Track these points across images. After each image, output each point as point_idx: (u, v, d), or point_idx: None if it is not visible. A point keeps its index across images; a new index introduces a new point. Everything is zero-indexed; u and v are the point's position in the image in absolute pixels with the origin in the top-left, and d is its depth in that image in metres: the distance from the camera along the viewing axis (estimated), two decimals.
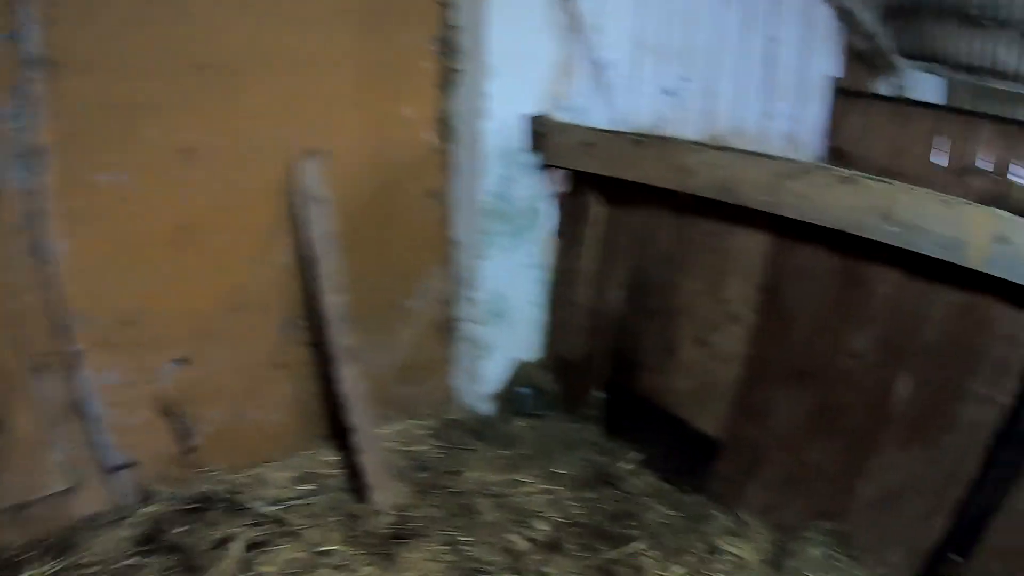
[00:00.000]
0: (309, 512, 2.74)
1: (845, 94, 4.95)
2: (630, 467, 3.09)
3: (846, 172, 2.28)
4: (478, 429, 3.40)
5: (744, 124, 4.05)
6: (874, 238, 2.23)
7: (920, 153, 4.89)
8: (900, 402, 2.42)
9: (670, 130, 3.61)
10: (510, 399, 3.53)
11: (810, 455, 2.63)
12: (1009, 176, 4.87)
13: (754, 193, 2.47)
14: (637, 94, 3.57)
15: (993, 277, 2.09)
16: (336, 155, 2.87)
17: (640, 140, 2.80)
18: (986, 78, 6.89)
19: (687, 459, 2.95)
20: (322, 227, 2.70)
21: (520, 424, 3.47)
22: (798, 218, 2.39)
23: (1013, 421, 2.25)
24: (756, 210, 2.48)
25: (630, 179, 2.80)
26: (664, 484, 2.99)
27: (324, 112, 2.98)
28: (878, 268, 2.38)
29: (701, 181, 2.59)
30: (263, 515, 2.66)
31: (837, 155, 4.91)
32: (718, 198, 2.54)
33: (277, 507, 2.73)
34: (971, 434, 2.26)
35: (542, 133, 3.10)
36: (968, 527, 2.26)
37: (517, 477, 3.02)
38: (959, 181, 4.87)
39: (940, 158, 4.93)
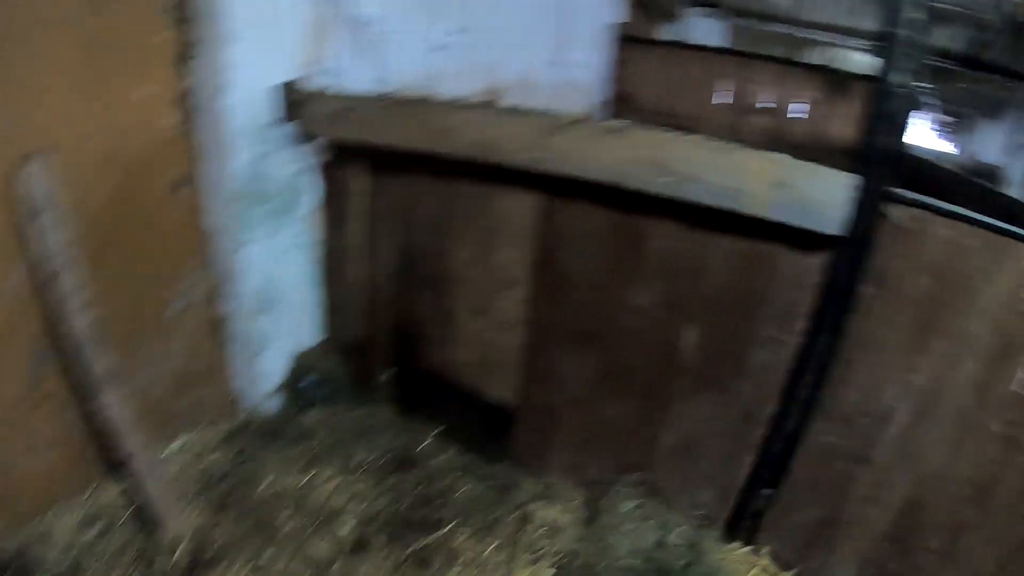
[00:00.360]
0: (103, 556, 2.33)
1: (629, 40, 4.78)
2: (431, 445, 2.87)
3: (614, 123, 2.01)
4: (269, 429, 2.99)
5: (529, 75, 3.73)
6: (647, 190, 1.99)
7: (703, 96, 4.84)
8: (689, 353, 2.30)
9: (444, 88, 3.21)
10: (297, 392, 3.09)
11: (606, 412, 2.51)
12: (789, 114, 4.91)
13: (518, 151, 2.15)
14: (405, 51, 3.13)
15: (773, 222, 1.92)
16: (62, 152, 2.25)
17: (397, 102, 2.40)
18: (764, 22, 7.12)
19: (486, 430, 2.76)
20: (57, 239, 2.13)
21: (313, 416, 3.07)
22: (565, 174, 2.11)
23: (804, 359, 2.15)
24: (524, 170, 2.18)
25: (389, 145, 2.39)
26: (468, 457, 2.79)
27: (41, 102, 2.32)
28: (655, 221, 2.17)
29: (462, 142, 2.24)
30: (56, 572, 2.25)
31: (623, 101, 4.75)
32: (481, 158, 2.21)
33: (69, 557, 2.30)
34: (764, 376, 2.20)
35: (296, 102, 2.61)
36: (774, 462, 2.25)
37: (316, 475, 2.71)
38: (742, 121, 4.86)
39: (723, 99, 4.88)
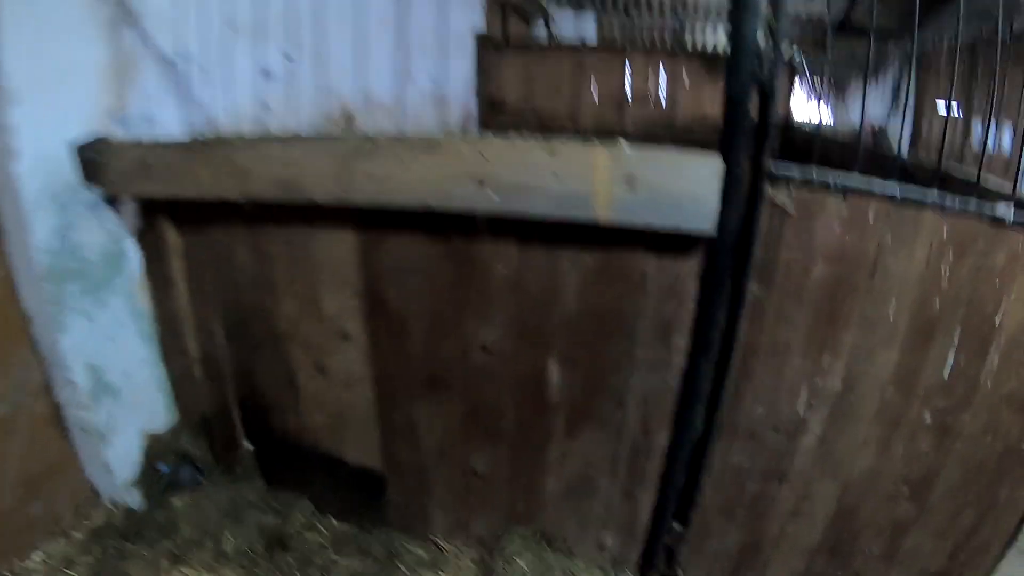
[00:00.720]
0: None
1: (494, 44, 4.22)
2: (303, 521, 2.36)
3: (429, 138, 1.52)
4: (132, 524, 2.45)
5: (375, 93, 3.12)
6: (475, 210, 1.44)
7: (578, 93, 4.32)
8: (557, 388, 1.81)
9: (282, 119, 2.60)
10: (157, 478, 2.46)
11: (479, 462, 2.02)
12: (668, 101, 4.44)
13: (322, 185, 1.65)
14: (227, 85, 2.51)
15: (630, 228, 1.45)
16: None
17: (197, 146, 1.79)
18: (632, 14, 6.68)
19: (357, 497, 2.26)
20: None
21: (177, 502, 2.51)
22: (378, 204, 1.60)
23: (692, 378, 1.68)
24: (334, 205, 1.60)
25: (188, 195, 1.77)
26: (344, 529, 2.30)
27: None
28: (493, 244, 1.69)
29: (261, 182, 1.71)
30: None
31: (494, 107, 4.22)
32: (285, 199, 1.60)
33: None
34: (649, 403, 1.76)
35: (95, 159, 1.97)
36: (678, 493, 1.86)
37: (185, 572, 2.21)
38: (622, 114, 4.35)
39: (599, 94, 4.37)
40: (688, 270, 1.52)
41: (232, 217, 1.89)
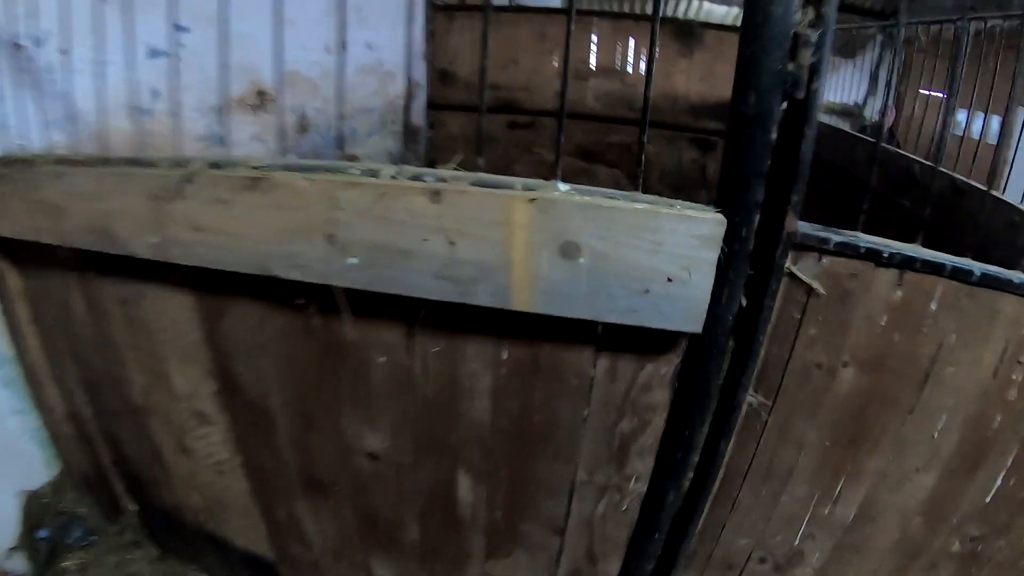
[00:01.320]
0: None
1: (444, 9, 3.48)
2: None
3: (254, 169, 0.86)
4: None
5: (300, 67, 2.41)
6: (327, 280, 0.78)
7: (536, 63, 3.64)
8: (469, 507, 1.23)
9: (178, 109, 1.92)
10: (41, 540, 1.90)
11: (382, 570, 1.45)
12: (628, 68, 3.79)
13: (138, 235, 1.02)
14: (97, 71, 1.78)
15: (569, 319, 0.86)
16: None
17: (5, 169, 1.12)
18: None
19: None
20: None
21: (66, 566, 1.93)
22: (189, 263, 1.01)
23: (654, 508, 1.12)
24: (151, 260, 0.97)
25: (4, 233, 1.14)
26: None
27: None
28: (370, 324, 1.03)
29: (76, 224, 1.09)
30: None
31: (443, 79, 3.52)
32: (99, 249, 0.98)
33: None
34: (597, 530, 1.19)
35: None
36: None
37: None
38: (583, 87, 3.69)
39: (558, 65, 3.70)
40: (657, 376, 0.92)
41: (66, 260, 1.23)
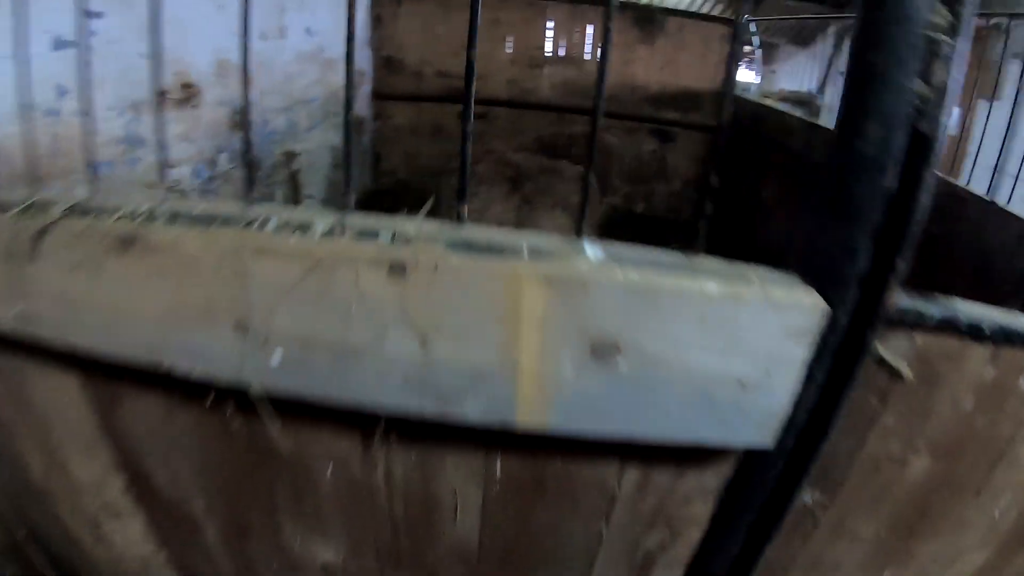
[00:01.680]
0: None
1: None
2: None
3: (124, 220, 0.48)
4: None
5: (232, 55, 2.05)
6: (241, 383, 0.49)
7: (488, 49, 3.34)
8: None
9: (74, 109, 1.56)
10: None
11: None
12: (586, 56, 3.54)
13: None
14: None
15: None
16: None
17: None
18: None
19: None
20: None
21: None
22: (61, 346, 0.68)
23: None
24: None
25: None
26: None
27: None
28: (308, 432, 0.74)
29: None
30: None
31: (389, 67, 3.18)
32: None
33: None
34: None
35: None
36: None
37: None
38: (536, 75, 3.42)
39: (511, 51, 3.41)
40: (700, 489, 0.69)
41: None
